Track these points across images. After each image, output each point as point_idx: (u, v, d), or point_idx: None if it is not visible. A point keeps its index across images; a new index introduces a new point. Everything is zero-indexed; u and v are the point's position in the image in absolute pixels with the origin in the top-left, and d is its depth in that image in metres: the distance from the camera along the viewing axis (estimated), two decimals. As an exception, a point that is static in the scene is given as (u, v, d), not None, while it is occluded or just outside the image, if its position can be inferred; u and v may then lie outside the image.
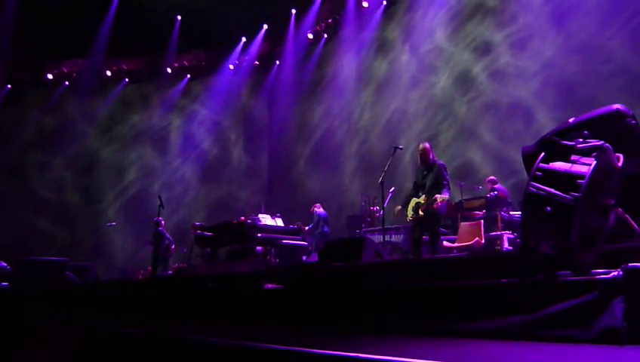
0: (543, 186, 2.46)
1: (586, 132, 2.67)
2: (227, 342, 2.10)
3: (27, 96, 15.69)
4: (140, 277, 11.61)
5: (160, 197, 9.39)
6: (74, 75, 15.91)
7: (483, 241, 7.29)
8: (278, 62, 16.46)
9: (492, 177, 8.73)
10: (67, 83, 15.90)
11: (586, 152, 2.51)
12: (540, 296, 2.27)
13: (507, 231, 7.61)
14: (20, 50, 13.88)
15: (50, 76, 15.66)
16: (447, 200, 6.39)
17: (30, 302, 5.30)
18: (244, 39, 16.08)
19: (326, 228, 10.53)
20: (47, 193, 15.24)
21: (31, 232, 14.48)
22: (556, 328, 2.15)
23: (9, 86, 15.63)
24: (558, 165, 2.52)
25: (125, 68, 16.27)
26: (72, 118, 15.76)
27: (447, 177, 6.52)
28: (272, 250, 9.39)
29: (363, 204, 10.81)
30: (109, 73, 16.06)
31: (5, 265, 10.55)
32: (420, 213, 6.35)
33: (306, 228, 10.30)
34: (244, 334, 2.59)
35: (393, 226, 9.20)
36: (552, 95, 9.48)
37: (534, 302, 2.26)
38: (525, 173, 2.96)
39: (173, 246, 10.96)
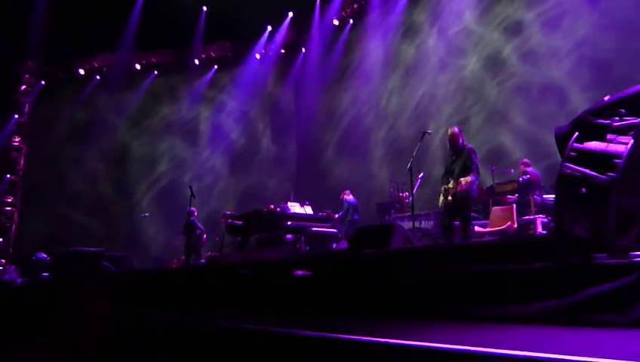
0: (577, 167, 2.39)
1: (622, 110, 2.57)
2: (258, 328, 2.13)
3: (60, 92, 16.11)
4: (174, 266, 11.85)
5: (191, 187, 9.53)
6: (104, 69, 16.24)
7: (516, 226, 7.15)
8: (304, 49, 16.39)
9: (525, 160, 8.53)
10: (98, 77, 16.25)
11: (622, 131, 2.42)
12: (575, 280, 2.21)
13: (541, 215, 7.45)
14: (52, 47, 14.24)
15: (81, 71, 16.04)
16: (474, 183, 6.27)
17: (69, 290, 5.47)
18: (269, 28, 16.07)
19: (356, 216, 10.50)
20: (81, 185, 15.67)
21: (67, 224, 14.94)
22: (593, 313, 2.09)
23: (43, 82, 16.07)
24: (594, 145, 2.44)
25: (154, 61, 16.50)
26: (104, 111, 16.12)
27: (477, 161, 6.40)
28: (302, 237, 9.43)
29: (392, 190, 10.73)
30: (138, 66, 16.33)
31: (45, 256, 10.94)
32: (449, 198, 6.27)
33: (336, 215, 10.29)
34: (274, 320, 2.61)
35: (423, 212, 9.12)
36: (586, 75, 9.17)
37: (569, 286, 2.20)
38: (559, 156, 2.88)
39: (205, 236, 11.13)
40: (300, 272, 3.41)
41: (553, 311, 2.21)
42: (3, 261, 14.00)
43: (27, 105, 16.04)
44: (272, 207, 9.41)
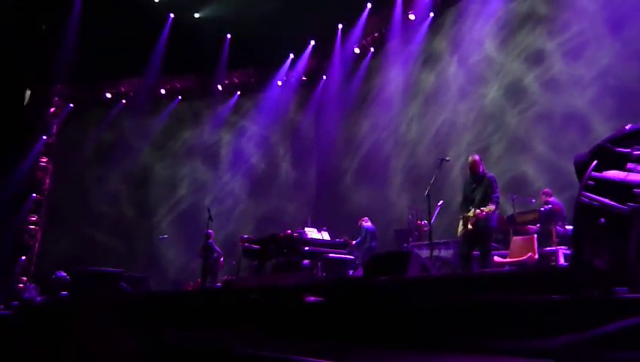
0: (596, 196, 2.32)
1: (643, 139, 2.51)
2: (261, 354, 2.09)
3: (87, 114, 16.56)
4: (190, 288, 11.85)
5: (209, 210, 9.62)
6: (130, 93, 16.65)
7: (537, 257, 6.99)
8: (324, 77, 16.58)
9: (547, 189, 8.38)
10: (124, 101, 16.65)
11: (643, 160, 2.35)
12: (594, 314, 2.13)
13: (563, 247, 7.26)
14: (81, 72, 14.71)
15: (108, 95, 16.47)
16: (494, 211, 6.17)
17: (84, 311, 5.49)
18: (291, 56, 16.33)
19: (374, 243, 10.41)
20: (104, 206, 15.93)
21: (89, 244, 15.15)
22: (613, 348, 2.00)
23: (71, 105, 16.54)
24: (613, 174, 2.37)
25: (178, 86, 16.86)
26: (128, 134, 16.47)
27: (498, 191, 6.32)
28: (319, 263, 9.36)
29: (410, 217, 10.62)
30: (163, 91, 16.69)
31: (65, 274, 11.07)
32: (470, 226, 6.17)
33: (353, 242, 10.22)
34: (281, 346, 2.57)
35: (442, 241, 8.99)
36: (609, 104, 9.05)
37: (589, 320, 2.12)
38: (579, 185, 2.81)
39: (222, 259, 11.14)
40: (311, 298, 3.36)
41: (571, 347, 2.12)
42: (24, 279, 14.20)
43: (55, 127, 16.50)
44: (290, 231, 9.39)
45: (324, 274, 9.48)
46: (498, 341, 2.39)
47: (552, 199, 8.08)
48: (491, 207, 6.03)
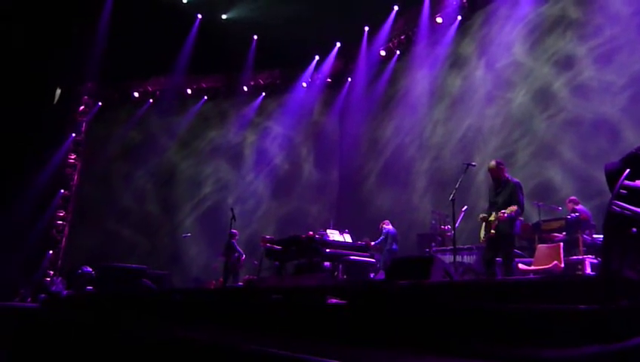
0: (627, 205, 2.27)
1: (678, 148, 2.45)
2: (279, 353, 2.10)
3: (115, 113, 16.90)
4: (212, 287, 11.96)
5: (232, 210, 9.68)
6: (157, 93, 16.93)
7: (562, 265, 6.84)
8: (350, 79, 16.57)
9: (573, 197, 8.21)
10: (151, 100, 16.93)
11: (678, 169, 2.29)
12: (623, 326, 2.07)
13: (590, 256, 7.10)
14: (110, 71, 15.03)
15: (136, 94, 16.77)
16: (517, 214, 6.09)
17: (106, 305, 5.60)
18: (317, 57, 16.37)
19: (395, 246, 10.34)
20: (130, 203, 16.22)
21: (114, 239, 15.44)
22: (642, 361, 1.95)
23: (100, 103, 16.91)
24: (646, 183, 2.32)
25: (204, 86, 17.07)
26: (155, 132, 16.74)
27: (522, 198, 6.22)
28: (340, 265, 9.35)
29: (434, 222, 10.52)
30: (189, 91, 16.92)
31: (90, 270, 11.31)
32: (492, 231, 6.09)
33: (372, 243, 10.16)
34: (302, 346, 2.57)
35: (465, 246, 8.88)
36: (641, 111, 8.82)
37: (617, 331, 2.07)
38: (610, 194, 2.75)
39: (243, 258, 11.21)
40: (333, 300, 3.36)
41: (598, 358, 2.07)
42: (51, 273, 14.55)
43: (84, 125, 16.87)
44: (311, 233, 9.41)
45: (344, 276, 9.47)
46: (521, 349, 2.35)
47: (579, 207, 7.92)
48: (513, 207, 5.95)
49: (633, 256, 2.20)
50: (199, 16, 15.43)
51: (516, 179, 6.47)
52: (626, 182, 2.36)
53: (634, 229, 2.21)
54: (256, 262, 11.42)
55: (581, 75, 10.18)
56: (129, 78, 16.48)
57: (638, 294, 2.16)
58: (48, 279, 13.69)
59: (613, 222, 2.32)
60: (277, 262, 9.70)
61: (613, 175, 2.73)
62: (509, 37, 11.86)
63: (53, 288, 12.61)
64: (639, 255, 2.18)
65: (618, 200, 2.32)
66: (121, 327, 3.91)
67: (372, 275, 9.76)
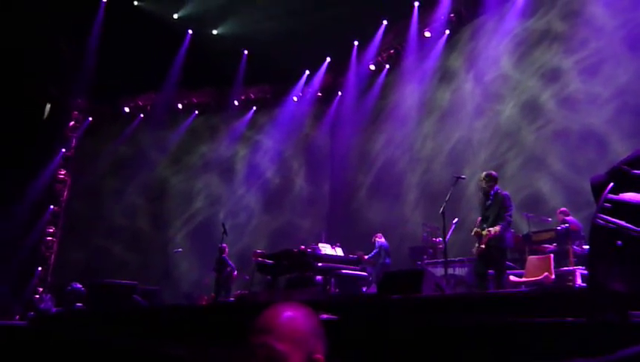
0: (612, 218, 2.30)
1: (661, 161, 2.49)
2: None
3: (106, 128, 16.84)
4: (204, 302, 11.87)
5: (223, 224, 9.65)
6: (148, 107, 16.92)
7: (553, 277, 6.88)
8: (340, 93, 16.68)
9: (564, 208, 8.28)
10: (142, 115, 16.91)
11: (660, 183, 2.33)
12: (609, 338, 2.09)
13: (580, 267, 7.14)
14: (100, 86, 15.01)
15: (126, 109, 16.75)
16: (505, 230, 6.16)
17: (98, 323, 5.54)
18: (307, 72, 16.48)
19: (387, 260, 10.35)
20: (120, 218, 16.10)
21: (105, 255, 15.29)
22: (629, 374, 1.97)
23: (90, 118, 16.86)
24: (630, 196, 2.35)
25: (195, 101, 17.10)
26: (146, 147, 16.69)
27: (511, 210, 6.28)
28: (332, 279, 9.32)
29: (425, 235, 10.55)
30: (180, 106, 16.94)
31: (80, 286, 11.17)
32: (482, 246, 6.14)
33: (366, 256, 10.16)
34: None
35: (457, 259, 8.92)
36: (627, 122, 8.95)
37: (603, 344, 2.09)
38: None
39: (235, 273, 11.15)
40: (325, 316, 3.35)
41: (586, 370, 2.09)
42: (40, 289, 14.36)
43: (74, 140, 16.79)
44: (303, 247, 9.38)
45: (337, 290, 9.44)
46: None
47: (569, 218, 7.98)
48: (496, 228, 6.04)
49: (619, 268, 2.22)
50: (190, 31, 15.50)
51: (505, 192, 6.53)
52: (610, 195, 2.39)
53: (619, 242, 2.24)
54: (247, 277, 11.35)
55: (568, 87, 10.34)
56: (120, 93, 16.46)
57: (625, 306, 2.19)
58: (37, 296, 13.51)
59: (598, 235, 2.35)
60: (269, 277, 9.65)
61: (598, 188, 2.77)
62: (497, 50, 12.04)
63: (42, 305, 12.44)
64: (625, 267, 2.20)
65: (602, 214, 2.35)
66: (109, 345, 3.87)
67: (364, 289, 9.74)
